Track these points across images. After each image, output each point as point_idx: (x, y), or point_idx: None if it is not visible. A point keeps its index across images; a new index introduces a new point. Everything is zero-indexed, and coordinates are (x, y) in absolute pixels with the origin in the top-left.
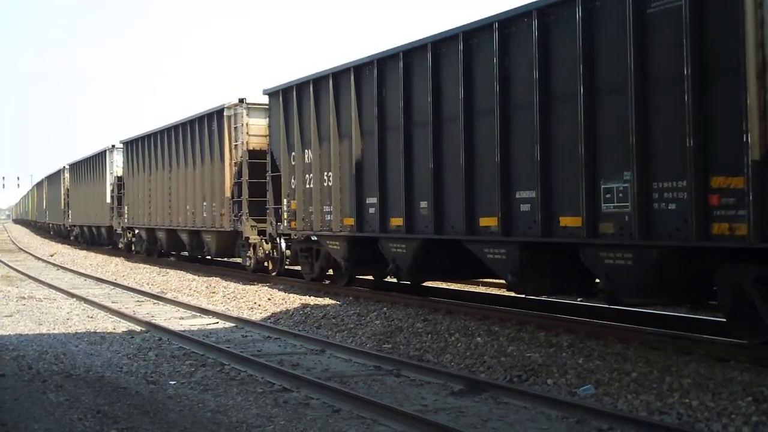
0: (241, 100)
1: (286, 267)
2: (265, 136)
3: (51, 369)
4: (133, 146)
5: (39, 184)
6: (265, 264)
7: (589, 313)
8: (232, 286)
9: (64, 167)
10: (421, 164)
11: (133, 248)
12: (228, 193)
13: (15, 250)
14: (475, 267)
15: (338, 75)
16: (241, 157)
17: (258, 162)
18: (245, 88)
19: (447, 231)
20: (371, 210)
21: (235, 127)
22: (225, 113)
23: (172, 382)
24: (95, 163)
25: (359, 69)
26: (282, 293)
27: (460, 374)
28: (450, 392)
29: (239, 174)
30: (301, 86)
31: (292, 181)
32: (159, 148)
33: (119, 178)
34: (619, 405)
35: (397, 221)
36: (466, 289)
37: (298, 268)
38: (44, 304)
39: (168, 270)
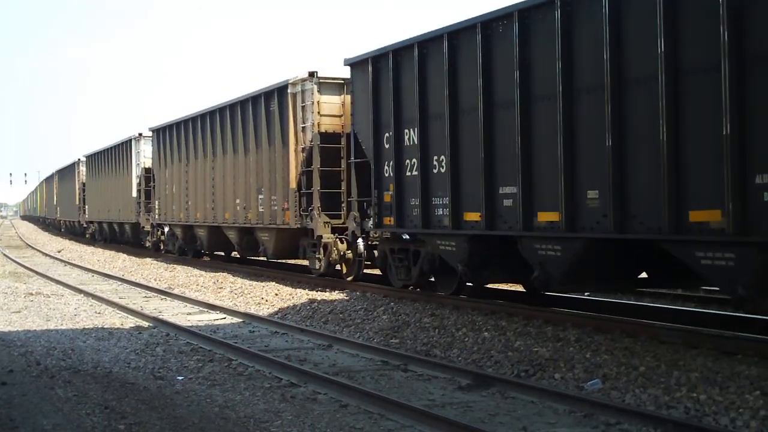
0: (312, 74)
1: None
2: (340, 116)
3: (59, 365)
4: (165, 134)
5: (49, 179)
6: (337, 267)
7: (597, 308)
8: (240, 281)
9: (79, 159)
10: (590, 141)
11: (162, 247)
12: (294, 184)
13: (23, 247)
14: (673, 275)
15: (456, 35)
16: (311, 141)
17: (331, 147)
18: (245, 86)
19: (634, 228)
20: (507, 202)
21: (303, 106)
22: (289, 90)
23: (180, 378)
24: (118, 153)
25: (489, 25)
26: (289, 288)
27: (467, 369)
28: (457, 387)
29: (308, 161)
30: (399, 52)
31: (386, 168)
32: (199, 134)
33: (147, 170)
34: (627, 399)
35: (549, 216)
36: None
37: (374, 271)
38: (52, 300)
39: (175, 266)
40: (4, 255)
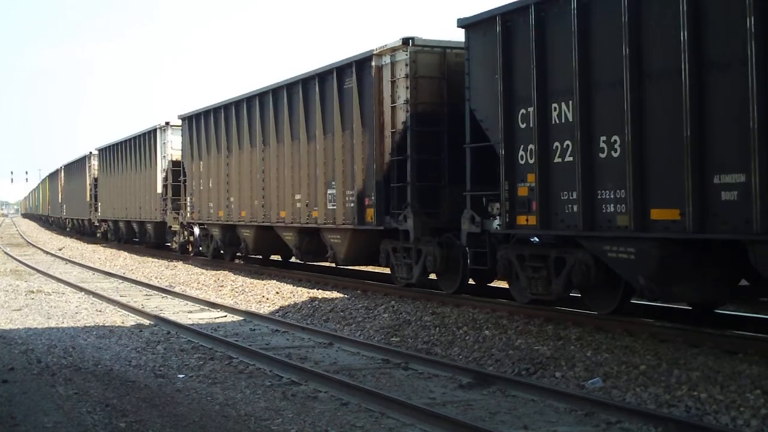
0: (407, 41)
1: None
2: (441, 92)
3: (60, 362)
4: (199, 122)
5: (53, 175)
6: (432, 276)
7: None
8: (240, 279)
9: (90, 153)
10: None
11: (190, 248)
12: (380, 176)
13: (24, 245)
14: None
15: None
16: (404, 123)
17: (429, 131)
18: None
19: None
20: (728, 195)
21: (393, 81)
22: (374, 63)
23: (181, 376)
24: (140, 145)
25: None
26: (290, 286)
27: (468, 367)
28: (458, 385)
29: (399, 148)
30: (546, 3)
31: (521, 154)
32: (245, 120)
33: (175, 163)
34: (628, 398)
35: None
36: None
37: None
38: (53, 297)
39: (176, 264)
40: (5, 253)
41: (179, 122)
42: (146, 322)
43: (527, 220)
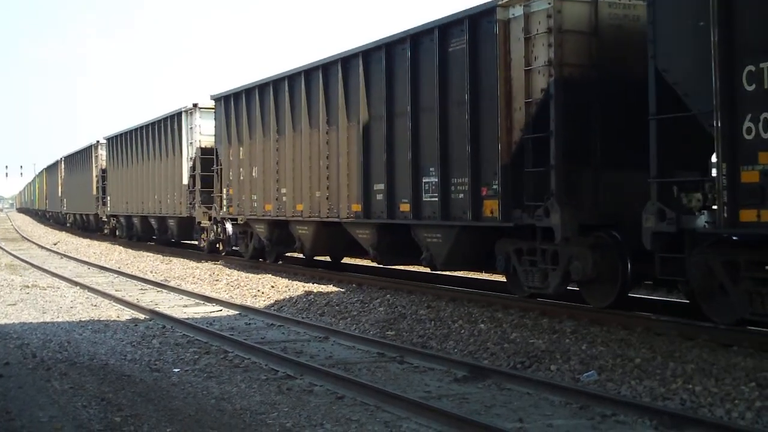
0: None
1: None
2: (588, 53)
3: (55, 357)
4: (238, 102)
5: (52, 168)
6: (594, 289)
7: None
8: (236, 273)
9: (98, 142)
10: None
11: (220, 247)
12: (505, 159)
13: (19, 239)
14: None
15: None
16: (545, 89)
17: (576, 101)
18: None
19: None
20: None
21: (527, 39)
22: (498, 16)
23: (176, 370)
24: (159, 132)
25: None
26: (285, 281)
27: (463, 361)
28: (453, 379)
29: (536, 123)
30: None
31: (747, 125)
32: (300, 98)
33: (205, 150)
34: (623, 391)
35: None
36: (469, 276)
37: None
38: (48, 292)
39: (171, 258)
40: (0, 247)
41: (209, 104)
42: (141, 316)
43: (759, 215)
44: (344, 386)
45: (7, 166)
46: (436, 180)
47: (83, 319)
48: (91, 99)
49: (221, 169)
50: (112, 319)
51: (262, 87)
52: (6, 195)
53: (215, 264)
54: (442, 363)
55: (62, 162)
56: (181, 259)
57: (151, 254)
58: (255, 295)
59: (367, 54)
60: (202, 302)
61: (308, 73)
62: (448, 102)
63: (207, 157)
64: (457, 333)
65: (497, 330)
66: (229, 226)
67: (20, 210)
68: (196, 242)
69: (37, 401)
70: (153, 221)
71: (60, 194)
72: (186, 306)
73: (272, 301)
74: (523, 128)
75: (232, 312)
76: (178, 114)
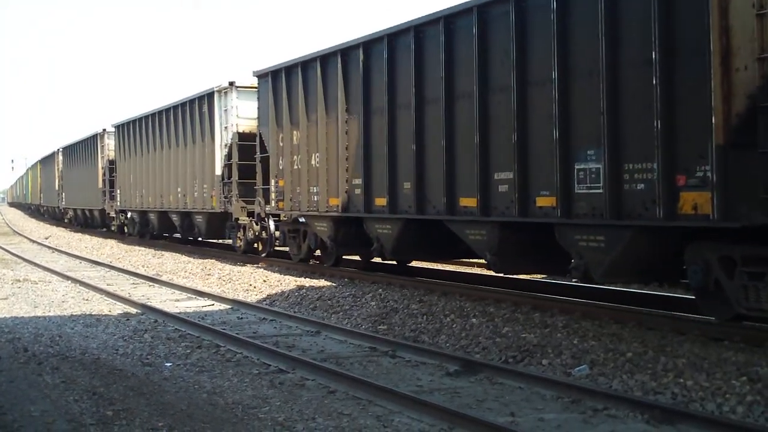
0: None
1: None
2: None
3: (47, 351)
4: (288, 78)
5: (47, 160)
6: None
7: (585, 294)
8: (228, 268)
9: (104, 130)
10: None
11: (259, 247)
12: (720, 137)
13: (10, 233)
14: None
15: None
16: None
17: None
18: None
19: None
20: None
21: None
22: None
23: (168, 364)
24: (184, 116)
25: None
26: (277, 275)
27: (455, 355)
28: (445, 373)
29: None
30: None
31: None
32: (381, 68)
33: (244, 136)
34: (614, 385)
35: None
36: (461, 271)
37: None
38: (39, 286)
39: (163, 252)
40: None
41: (248, 83)
42: (133, 310)
43: None
44: (336, 380)
45: None
46: (599, 166)
47: (75, 314)
48: (85, 92)
49: (267, 157)
50: (103, 313)
51: (325, 58)
52: None
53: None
54: (434, 357)
55: (59, 153)
56: (173, 254)
57: (143, 248)
58: (247, 290)
59: (484, 6)
60: (194, 296)
61: (393, 37)
62: (620, 62)
63: (246, 143)
64: (449, 327)
65: (489, 324)
66: (271, 224)
67: (12, 204)
68: (230, 241)
69: (28, 395)
70: (175, 217)
71: (57, 188)
72: (178, 300)
73: (264, 296)
74: (754, 93)
75: (224, 306)
76: (209, 94)
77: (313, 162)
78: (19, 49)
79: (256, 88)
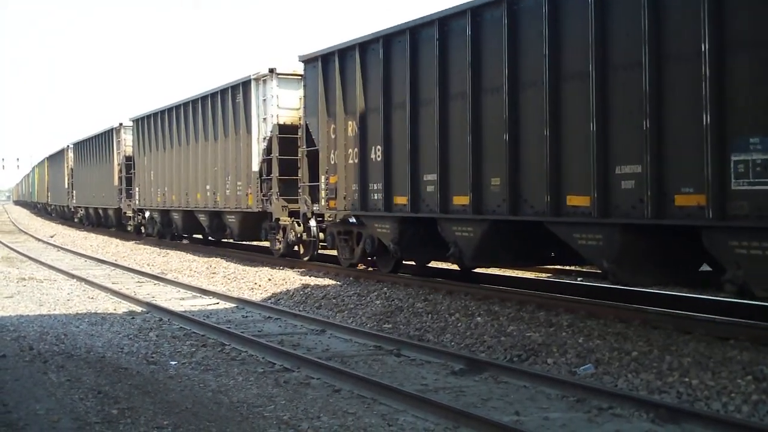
0: None
1: None
2: None
3: (52, 349)
4: (343, 62)
5: (55, 157)
6: None
7: (589, 293)
8: (233, 266)
9: (121, 125)
10: None
11: (300, 249)
12: None
13: (15, 231)
14: None
15: None
16: None
17: None
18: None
19: None
20: None
21: None
22: None
23: (173, 363)
24: (213, 107)
25: None
26: (282, 273)
27: (460, 354)
28: (450, 372)
29: None
30: None
31: None
32: (464, 50)
33: (285, 128)
34: (619, 384)
35: None
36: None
37: None
38: (45, 285)
39: (168, 251)
40: None
41: (290, 69)
42: (138, 309)
43: None
44: (341, 379)
45: (3, 159)
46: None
47: (80, 312)
48: (85, 92)
49: (315, 151)
50: (108, 311)
51: (389, 38)
52: (3, 188)
53: (212, 257)
54: (439, 356)
55: (69, 150)
56: (178, 252)
57: (149, 247)
58: (252, 288)
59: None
60: (199, 295)
61: (478, 11)
62: None
63: (287, 136)
64: (454, 326)
65: (494, 323)
66: (312, 223)
67: (17, 203)
68: (267, 243)
69: (34, 394)
70: (202, 217)
71: (67, 185)
72: (183, 299)
73: (269, 294)
74: None
75: (229, 305)
76: (245, 83)
77: (372, 156)
78: (19, 49)
79: (298, 75)
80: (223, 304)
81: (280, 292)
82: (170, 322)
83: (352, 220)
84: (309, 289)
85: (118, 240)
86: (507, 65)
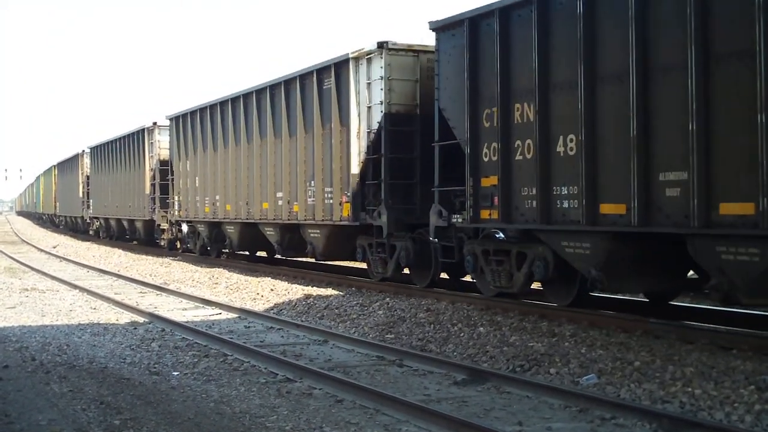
0: None
1: None
2: None
3: (54, 360)
4: (499, 30)
5: (65, 164)
6: None
7: (591, 304)
8: (235, 277)
9: (154, 124)
10: None
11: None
12: None
13: (18, 242)
14: None
15: None
16: None
17: None
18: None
19: None
20: None
21: None
22: None
23: (175, 373)
24: (282, 100)
25: None
26: (285, 284)
27: (462, 364)
28: (453, 382)
29: None
30: None
31: None
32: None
33: (396, 118)
34: (622, 394)
35: None
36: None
37: None
38: (47, 295)
39: (170, 261)
40: None
41: (400, 45)
42: (141, 319)
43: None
44: (343, 389)
45: (6, 169)
46: None
47: (82, 322)
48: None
49: (455, 144)
50: (111, 322)
51: (546, 2)
52: (6, 198)
53: (214, 268)
54: (442, 366)
55: (82, 157)
56: (181, 263)
57: (150, 258)
58: (254, 298)
59: None
60: (202, 305)
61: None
62: None
63: (399, 129)
64: (457, 336)
65: (496, 333)
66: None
67: (20, 213)
68: (363, 265)
69: (36, 404)
70: (270, 231)
71: (81, 195)
72: (185, 309)
73: (271, 304)
74: None
75: (231, 315)
76: (340, 63)
77: (560, 148)
78: (21, 60)
79: (417, 50)
80: (226, 315)
81: (283, 303)
82: (172, 333)
83: (499, 235)
84: (311, 299)
85: (120, 251)
86: (692, 39)
